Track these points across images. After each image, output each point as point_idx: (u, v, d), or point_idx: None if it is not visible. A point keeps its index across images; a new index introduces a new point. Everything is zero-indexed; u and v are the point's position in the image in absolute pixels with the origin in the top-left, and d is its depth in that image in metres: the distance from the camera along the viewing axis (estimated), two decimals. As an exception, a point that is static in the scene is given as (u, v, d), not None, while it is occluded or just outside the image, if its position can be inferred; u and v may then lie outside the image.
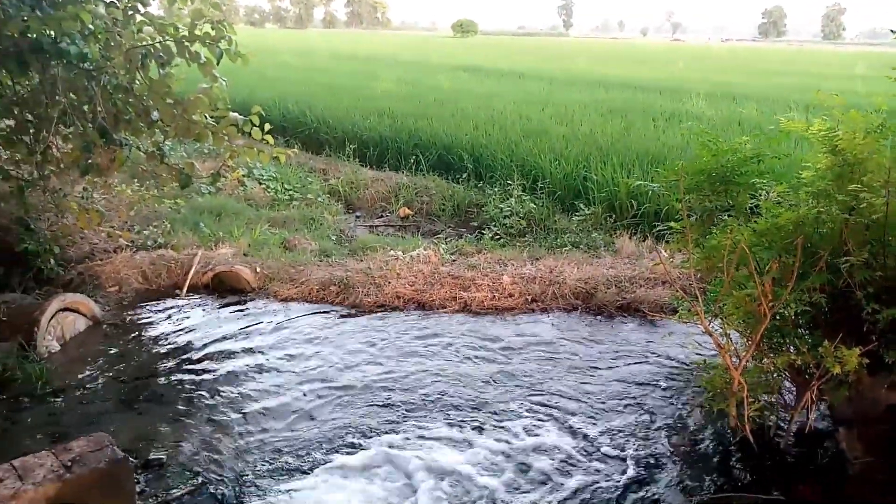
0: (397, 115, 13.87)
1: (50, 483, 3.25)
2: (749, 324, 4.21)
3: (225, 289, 6.79)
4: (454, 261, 7.56)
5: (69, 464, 3.37)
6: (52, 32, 4.80)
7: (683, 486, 4.00)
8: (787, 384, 4.60)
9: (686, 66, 32.62)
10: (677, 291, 4.89)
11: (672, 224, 4.94)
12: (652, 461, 4.20)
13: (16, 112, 5.80)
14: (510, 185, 9.65)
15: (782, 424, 4.43)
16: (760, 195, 4.76)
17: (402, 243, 8.17)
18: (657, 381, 5.19)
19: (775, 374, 4.38)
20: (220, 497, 3.75)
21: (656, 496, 3.90)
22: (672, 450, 4.33)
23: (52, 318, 5.45)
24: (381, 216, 10.29)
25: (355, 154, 12.34)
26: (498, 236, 8.71)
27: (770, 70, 30.87)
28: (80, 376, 5.10)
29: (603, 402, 4.87)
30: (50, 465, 3.38)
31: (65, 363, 5.29)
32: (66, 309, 5.61)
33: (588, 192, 9.40)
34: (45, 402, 4.74)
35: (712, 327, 4.27)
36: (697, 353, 5.35)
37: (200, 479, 3.88)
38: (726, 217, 4.67)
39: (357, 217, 10.16)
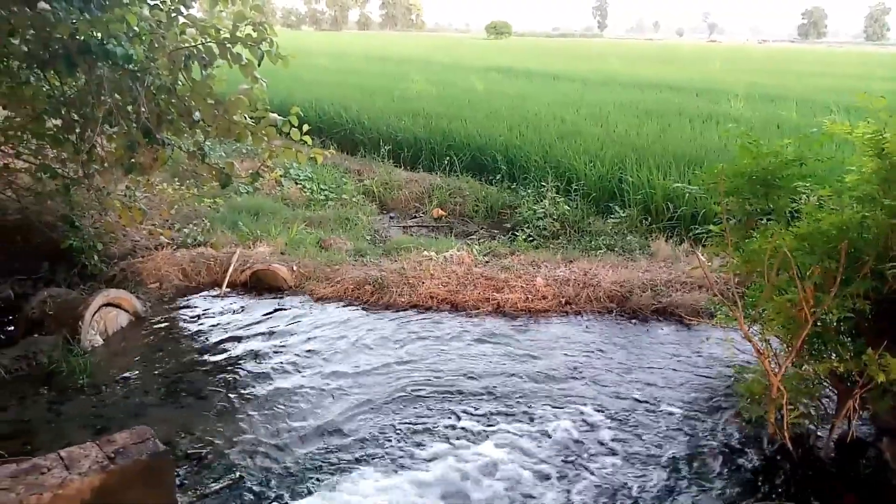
0: (431, 116, 13.91)
1: (94, 473, 3.34)
2: (789, 329, 4.15)
3: (262, 287, 6.90)
4: (487, 262, 7.56)
5: (113, 455, 3.46)
6: (100, 34, 4.93)
7: (718, 493, 3.95)
8: (828, 391, 4.50)
9: (723, 67, 32.07)
10: (715, 296, 4.83)
11: (711, 227, 4.87)
12: (686, 467, 4.15)
13: (63, 112, 5.97)
14: (544, 186, 9.61)
15: (822, 433, 4.34)
16: (801, 199, 4.67)
17: (436, 244, 8.19)
18: (693, 386, 5.13)
19: (816, 382, 4.30)
20: (257, 492, 3.81)
21: (690, 503, 3.85)
22: (707, 457, 4.27)
23: (95, 312, 5.59)
24: (415, 217, 10.34)
25: (389, 155, 12.41)
26: (531, 238, 8.68)
27: (809, 72, 30.20)
28: (122, 370, 5.23)
29: (637, 406, 4.82)
30: (95, 455, 3.47)
31: (107, 357, 5.43)
32: (108, 304, 5.75)
33: (623, 195, 9.32)
34: (88, 395, 4.87)
35: (751, 332, 4.22)
36: (735, 359, 5.27)
37: (238, 474, 3.94)
38: (767, 221, 4.60)
39: (391, 217, 10.22)
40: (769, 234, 4.05)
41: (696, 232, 6.64)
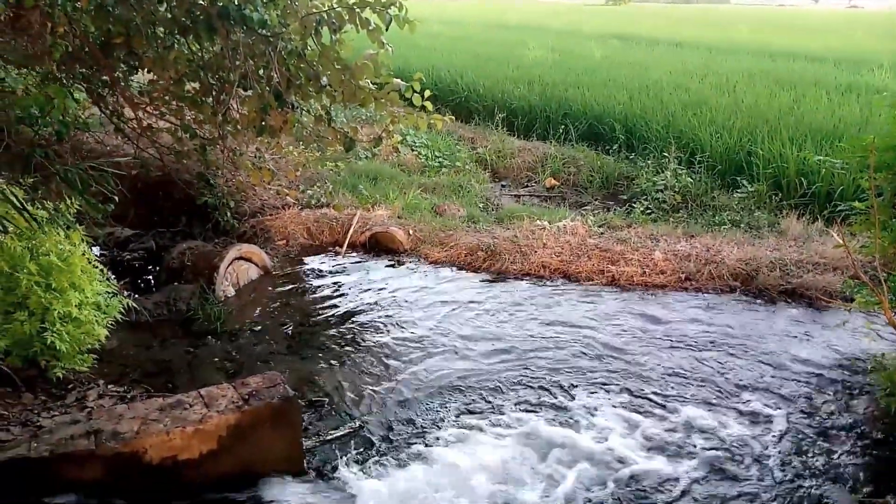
0: (547, 83, 13.63)
1: (230, 412, 3.60)
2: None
3: (380, 248, 7.11)
4: (602, 234, 7.39)
5: (247, 397, 3.71)
6: (237, 0, 5.15)
7: (847, 484, 3.72)
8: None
9: (865, 34, 29.33)
10: (856, 278, 4.50)
11: (855, 204, 4.53)
12: (815, 456, 3.93)
13: (201, 76, 6.32)
14: (665, 157, 9.23)
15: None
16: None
17: (548, 214, 8.10)
18: (824, 372, 4.83)
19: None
20: (376, 441, 3.97)
21: (819, 492, 3.66)
22: (838, 447, 4.02)
23: (228, 265, 5.96)
24: (527, 186, 10.24)
25: (503, 123, 12.30)
26: (649, 211, 8.40)
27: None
28: (251, 320, 5.57)
29: (762, 391, 4.60)
30: (231, 396, 3.74)
31: (239, 307, 5.79)
32: (240, 258, 6.12)
33: (752, 168, 8.79)
34: (221, 341, 5.23)
35: (897, 318, 3.91)
36: (873, 347, 4.91)
37: (358, 423, 4.12)
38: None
39: (503, 186, 10.17)
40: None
41: (840, 209, 6.16)
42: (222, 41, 5.73)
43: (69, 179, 4.67)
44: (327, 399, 4.39)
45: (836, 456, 3.94)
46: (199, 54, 6.17)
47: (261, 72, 6.01)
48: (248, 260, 6.19)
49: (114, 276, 4.89)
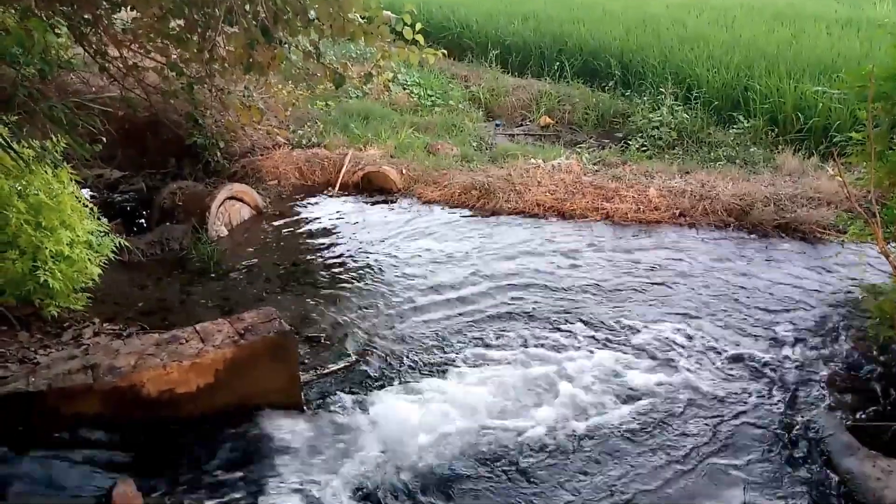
0: (542, 18, 13.31)
1: (227, 347, 3.62)
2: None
3: (373, 188, 7.06)
4: (597, 171, 7.35)
5: (243, 332, 3.72)
6: (221, -71, 4.94)
7: (837, 410, 3.79)
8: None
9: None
10: (850, 210, 4.49)
11: (852, 134, 4.48)
12: (805, 385, 4.00)
13: (186, 11, 6.13)
14: (661, 93, 9.10)
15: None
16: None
17: (543, 152, 8.03)
18: (815, 303, 4.87)
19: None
20: (372, 374, 4.01)
21: (808, 418, 3.73)
22: (828, 375, 4.09)
23: (220, 205, 5.92)
24: (521, 125, 10.12)
25: (497, 60, 12.07)
26: (645, 148, 8.33)
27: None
28: (245, 259, 5.57)
29: (755, 323, 4.65)
30: (227, 331, 3.75)
31: (232, 246, 5.78)
32: (232, 198, 6.07)
33: (748, 104, 8.69)
34: (216, 280, 5.23)
35: (890, 248, 3.92)
36: (865, 278, 4.94)
37: (354, 358, 4.16)
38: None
39: (497, 125, 10.04)
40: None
41: (829, 145, 6.12)
42: (206, -27, 5.55)
43: (54, 116, 4.55)
44: (323, 335, 4.42)
45: (825, 383, 4.00)
46: (184, -12, 5.98)
47: (247, 6, 5.82)
48: (240, 200, 6.14)
49: (105, 219, 4.84)
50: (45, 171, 4.32)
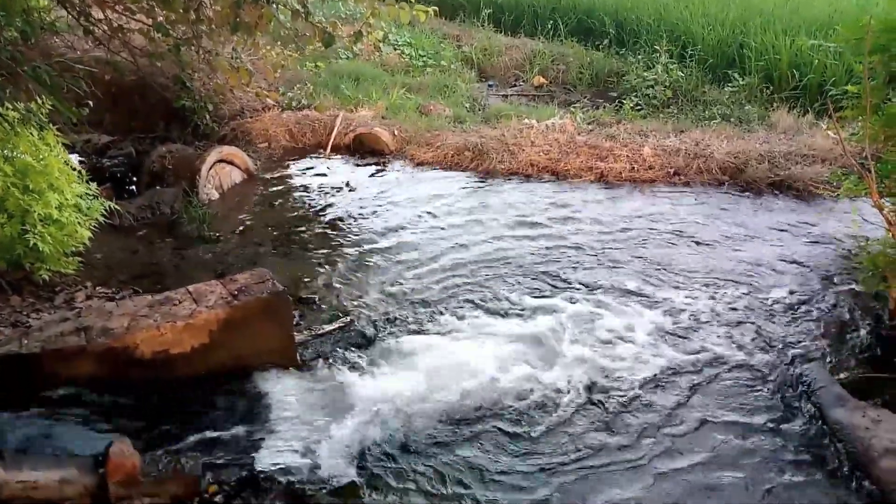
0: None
1: (220, 308, 3.61)
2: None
3: (365, 150, 6.99)
4: (591, 130, 7.30)
5: (236, 293, 3.71)
6: None
7: (828, 364, 3.82)
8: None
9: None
10: (844, 166, 4.48)
11: (848, 87, 4.43)
12: (796, 338, 4.03)
13: (171, -30, 5.97)
14: (656, 51, 8.98)
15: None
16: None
17: (536, 112, 7.95)
18: (807, 259, 4.89)
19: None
20: (367, 334, 4.01)
21: (800, 371, 3.75)
22: (820, 329, 4.11)
23: (210, 168, 5.85)
24: (515, 85, 10.01)
25: (490, 19, 11.88)
26: (639, 107, 8.26)
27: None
28: (237, 222, 5.53)
29: (748, 278, 4.66)
30: (220, 292, 3.74)
31: (223, 210, 5.73)
32: (223, 161, 6.00)
33: (743, 61, 8.60)
34: (208, 243, 5.19)
35: (884, 202, 3.91)
36: (859, 232, 4.94)
37: (349, 318, 4.16)
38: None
39: (490, 86, 9.93)
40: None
41: (824, 102, 6.08)
42: (189, -71, 5.40)
43: (38, 77, 4.47)
44: (317, 296, 4.41)
45: (818, 336, 4.03)
46: (168, -54, 5.82)
47: (233, -37, 5.69)
48: (231, 163, 6.07)
49: (95, 184, 4.78)
50: (31, 134, 4.25)
